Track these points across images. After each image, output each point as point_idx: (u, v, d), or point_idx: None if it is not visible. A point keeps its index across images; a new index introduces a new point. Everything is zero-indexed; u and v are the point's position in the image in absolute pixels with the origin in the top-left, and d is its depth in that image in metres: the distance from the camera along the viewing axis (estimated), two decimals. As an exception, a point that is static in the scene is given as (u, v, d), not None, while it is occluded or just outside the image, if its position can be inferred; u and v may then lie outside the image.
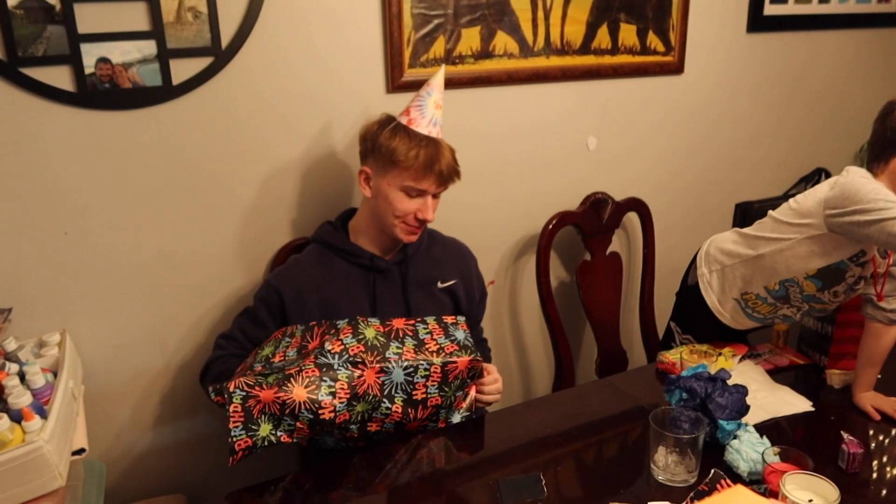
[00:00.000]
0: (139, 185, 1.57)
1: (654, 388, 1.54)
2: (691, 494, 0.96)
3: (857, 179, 1.45)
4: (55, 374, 1.35)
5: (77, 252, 1.55)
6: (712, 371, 1.36)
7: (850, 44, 2.49)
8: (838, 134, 2.63)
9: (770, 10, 2.31)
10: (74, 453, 1.29)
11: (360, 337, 1.32)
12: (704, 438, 1.21)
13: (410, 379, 1.31)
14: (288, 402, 1.23)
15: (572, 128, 2.09)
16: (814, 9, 2.40)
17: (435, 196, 1.48)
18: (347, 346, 1.30)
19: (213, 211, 1.66)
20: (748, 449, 1.21)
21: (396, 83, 1.76)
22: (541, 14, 1.91)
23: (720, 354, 1.57)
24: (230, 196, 1.67)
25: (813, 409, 1.44)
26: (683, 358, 1.49)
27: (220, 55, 1.56)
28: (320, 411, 1.23)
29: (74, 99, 1.46)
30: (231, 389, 1.23)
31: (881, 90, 2.68)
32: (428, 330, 1.39)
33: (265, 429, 1.23)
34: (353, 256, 1.51)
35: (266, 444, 1.25)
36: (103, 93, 1.47)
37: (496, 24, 1.86)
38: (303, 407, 1.23)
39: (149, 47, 1.49)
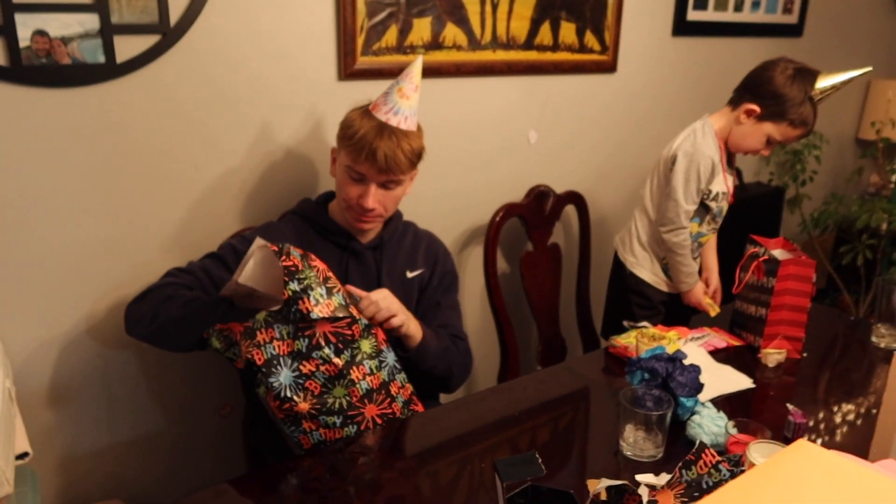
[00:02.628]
0: (77, 169, 1.46)
1: (609, 371, 1.61)
2: (680, 465, 1.01)
3: (679, 176, 1.88)
4: (-11, 374, 1.24)
5: (6, 241, 1.42)
6: (669, 352, 1.43)
7: (761, 51, 2.68)
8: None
9: (692, 15, 2.45)
10: (18, 457, 1.19)
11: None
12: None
13: (394, 372, 1.37)
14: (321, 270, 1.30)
15: (515, 121, 2.14)
16: (729, 17, 2.58)
17: (384, 186, 1.44)
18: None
19: (155, 198, 1.57)
20: (709, 423, 1.29)
21: (349, 70, 1.74)
22: (489, 8, 1.94)
23: (667, 338, 1.65)
24: (174, 182, 1.59)
25: (754, 385, 1.54)
26: (639, 341, 1.56)
27: (168, 34, 1.48)
28: (347, 310, 1.29)
29: (7, 74, 1.34)
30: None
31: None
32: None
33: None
34: (331, 234, 1.48)
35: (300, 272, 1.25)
36: (39, 68, 1.36)
37: (446, 15, 1.86)
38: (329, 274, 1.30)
39: (91, 21, 1.39)
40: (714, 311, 1.92)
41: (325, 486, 1.19)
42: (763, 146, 1.89)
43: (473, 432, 1.34)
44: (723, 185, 1.94)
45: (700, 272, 2.09)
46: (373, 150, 1.37)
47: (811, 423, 1.40)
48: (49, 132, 1.41)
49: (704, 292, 2.03)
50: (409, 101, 1.42)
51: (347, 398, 1.30)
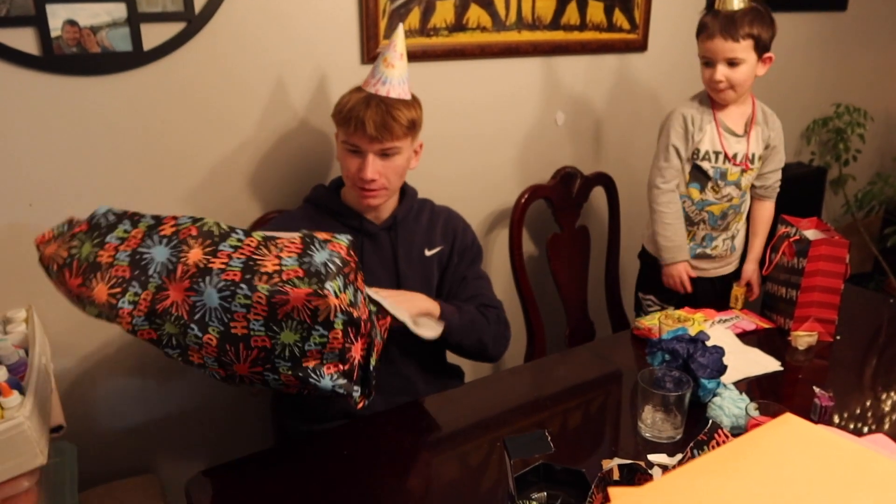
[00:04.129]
0: (107, 154, 1.51)
1: (633, 353, 1.59)
2: (691, 444, 1.00)
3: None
4: (26, 351, 1.29)
5: (43, 224, 1.46)
6: (692, 334, 1.41)
7: (802, 26, 2.59)
8: (790, 110, 2.73)
9: (728, -10, 2.37)
10: (52, 430, 1.24)
11: (200, 222, 1.07)
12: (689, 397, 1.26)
13: (227, 305, 1.02)
14: (86, 298, 1.06)
15: (542, 103, 2.12)
16: (768, -10, 2.49)
17: (382, 156, 1.43)
18: (180, 227, 1.06)
19: (182, 182, 1.61)
20: (730, 405, 1.27)
21: (372, 54, 1.74)
22: (513, -13, 1.92)
23: (693, 319, 1.62)
24: (201, 167, 1.63)
25: (781, 368, 1.51)
26: (662, 323, 1.54)
27: (194, 21, 1.51)
28: (118, 319, 1.04)
29: (39, 63, 1.39)
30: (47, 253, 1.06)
31: (832, 71, 2.81)
32: (279, 247, 1.06)
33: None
34: (343, 217, 1.49)
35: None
36: (70, 57, 1.41)
37: (470, -4, 1.85)
38: (103, 307, 1.04)
39: (119, 10, 1.43)
40: (739, 303, 1.80)
41: (342, 464, 1.21)
42: (706, 70, 1.86)
43: (489, 413, 1.35)
44: (716, 144, 1.86)
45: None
46: (361, 119, 1.39)
47: (842, 408, 1.36)
48: (80, 119, 1.46)
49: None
50: (396, 70, 1.42)
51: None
